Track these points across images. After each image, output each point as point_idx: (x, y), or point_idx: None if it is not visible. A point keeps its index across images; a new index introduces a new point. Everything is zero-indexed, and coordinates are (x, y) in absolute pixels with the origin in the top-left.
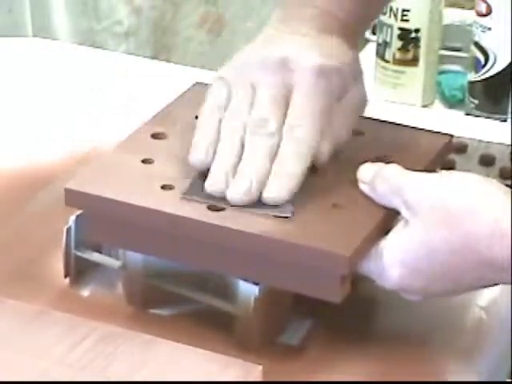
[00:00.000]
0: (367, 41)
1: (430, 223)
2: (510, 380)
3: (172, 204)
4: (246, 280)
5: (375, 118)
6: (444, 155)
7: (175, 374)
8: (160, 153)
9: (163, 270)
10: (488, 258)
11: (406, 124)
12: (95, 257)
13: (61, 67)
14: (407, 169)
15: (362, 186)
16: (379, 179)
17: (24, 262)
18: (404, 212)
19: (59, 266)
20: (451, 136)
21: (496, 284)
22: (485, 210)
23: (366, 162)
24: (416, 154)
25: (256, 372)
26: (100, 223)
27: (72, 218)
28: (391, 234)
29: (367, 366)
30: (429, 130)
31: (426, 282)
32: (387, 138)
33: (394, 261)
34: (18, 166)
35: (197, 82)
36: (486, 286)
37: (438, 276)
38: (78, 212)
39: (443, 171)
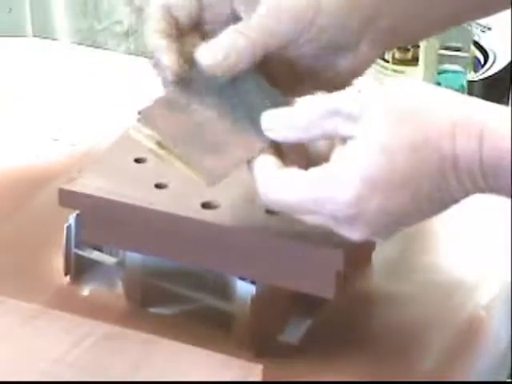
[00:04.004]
0: None
1: (387, 124)
2: (510, 380)
3: (167, 202)
4: (243, 279)
5: None
6: None
7: (175, 373)
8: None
9: (161, 269)
10: (450, 155)
11: None
12: (95, 255)
13: (61, 67)
14: None
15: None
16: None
17: (24, 261)
18: (349, 129)
19: (59, 264)
20: None
21: (456, 201)
22: (443, 105)
23: None
24: None
25: (256, 372)
26: (95, 223)
27: (72, 217)
28: (337, 155)
29: (367, 366)
30: None
31: (384, 197)
32: None
33: (351, 176)
34: (17, 165)
35: None
36: (446, 205)
37: (397, 187)
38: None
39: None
